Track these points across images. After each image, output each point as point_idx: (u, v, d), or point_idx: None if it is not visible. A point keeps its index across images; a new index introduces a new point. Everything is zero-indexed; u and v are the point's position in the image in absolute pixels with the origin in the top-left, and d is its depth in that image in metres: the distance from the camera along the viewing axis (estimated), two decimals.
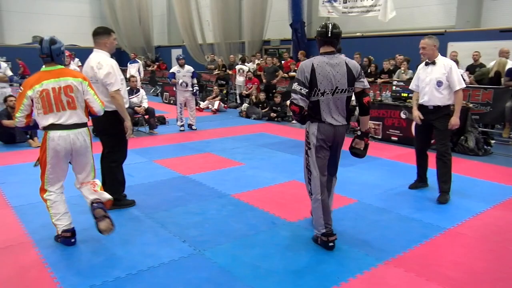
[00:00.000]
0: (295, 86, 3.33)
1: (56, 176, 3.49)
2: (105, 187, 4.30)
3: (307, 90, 3.27)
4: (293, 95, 3.34)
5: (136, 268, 3.14)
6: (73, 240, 3.50)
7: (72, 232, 3.51)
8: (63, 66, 3.52)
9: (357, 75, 3.36)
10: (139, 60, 15.14)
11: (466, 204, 4.63)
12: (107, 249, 3.44)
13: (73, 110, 3.43)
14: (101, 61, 4.03)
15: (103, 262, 3.22)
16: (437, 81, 4.68)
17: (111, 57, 4.21)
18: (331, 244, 3.44)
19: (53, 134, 3.35)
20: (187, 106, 9.11)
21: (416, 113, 4.95)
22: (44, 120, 3.35)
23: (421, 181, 5.21)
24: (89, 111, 3.61)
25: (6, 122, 7.12)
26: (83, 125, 3.52)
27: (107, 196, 3.62)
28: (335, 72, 3.29)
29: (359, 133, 3.61)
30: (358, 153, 3.64)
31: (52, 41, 3.41)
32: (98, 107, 3.62)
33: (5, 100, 7.33)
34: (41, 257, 3.28)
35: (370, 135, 3.26)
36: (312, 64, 3.28)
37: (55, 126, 3.36)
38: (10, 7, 21.73)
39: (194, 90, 9.07)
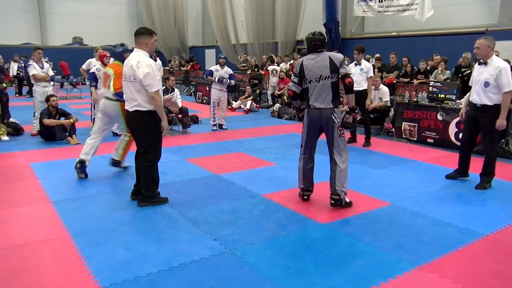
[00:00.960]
0: (291, 77, 4.50)
1: (99, 125, 5.50)
2: (140, 184, 4.43)
3: (297, 79, 4.35)
4: (289, 84, 4.57)
5: (168, 264, 3.19)
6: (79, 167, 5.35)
7: (81, 163, 5.36)
8: (116, 61, 5.39)
9: (339, 64, 4.17)
10: (158, 60, 15.37)
11: (506, 209, 4.45)
12: (140, 245, 3.52)
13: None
14: (140, 61, 4.08)
15: (136, 257, 3.30)
16: (484, 82, 4.88)
17: (150, 57, 4.26)
18: (305, 197, 4.66)
19: (102, 100, 5.44)
20: (219, 105, 9.18)
21: (462, 110, 5.43)
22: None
23: (459, 172, 5.40)
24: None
25: (46, 121, 7.40)
26: (114, 100, 5.25)
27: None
28: (319, 65, 4.20)
29: (347, 109, 4.31)
30: (347, 126, 4.36)
31: (115, 46, 5.51)
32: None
33: (47, 99, 7.60)
34: (78, 251, 3.39)
35: (357, 109, 4.44)
36: (302, 61, 4.33)
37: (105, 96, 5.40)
38: (53, 10, 22.60)
39: (226, 79, 8.98)
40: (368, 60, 12.01)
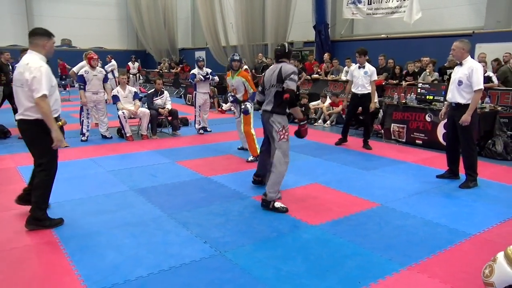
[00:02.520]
0: (258, 87, 4.91)
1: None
2: (32, 201, 3.91)
3: (261, 88, 4.72)
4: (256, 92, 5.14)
5: (158, 267, 3.17)
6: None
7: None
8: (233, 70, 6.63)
9: (284, 76, 4.32)
10: (113, 61, 15.10)
11: (493, 210, 4.50)
12: (130, 248, 3.49)
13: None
14: (30, 63, 3.67)
15: (126, 261, 3.27)
16: (458, 81, 5.14)
17: (47, 62, 3.89)
18: (252, 180, 5.22)
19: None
20: (202, 108, 9.10)
21: (442, 111, 5.67)
22: None
23: (451, 173, 5.58)
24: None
25: None
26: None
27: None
28: (272, 74, 4.48)
29: (296, 121, 4.64)
30: (297, 136, 4.67)
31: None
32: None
33: None
34: (67, 255, 3.36)
35: (304, 122, 4.64)
36: (266, 71, 4.71)
37: None
38: (41, 12, 22.38)
39: (209, 75, 8.99)
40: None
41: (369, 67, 7.37)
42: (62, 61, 18.58)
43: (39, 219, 3.87)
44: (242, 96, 6.57)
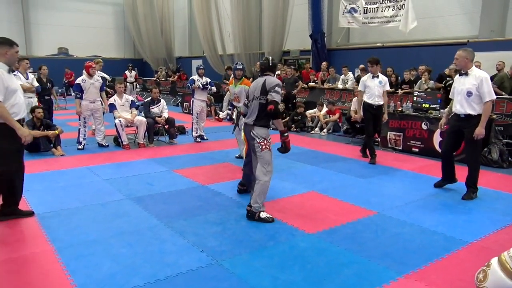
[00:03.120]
0: (244, 99, 4.89)
1: None
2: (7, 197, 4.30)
3: (247, 101, 4.64)
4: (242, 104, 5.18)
5: (155, 277, 3.15)
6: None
7: None
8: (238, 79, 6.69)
9: (268, 88, 4.32)
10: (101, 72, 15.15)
11: (490, 217, 4.51)
12: (126, 257, 3.47)
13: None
14: None
15: (122, 270, 3.25)
16: (467, 91, 4.95)
17: (11, 71, 4.06)
18: (237, 188, 5.33)
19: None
20: (199, 116, 9.15)
21: (442, 121, 5.54)
22: None
23: (446, 180, 5.52)
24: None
25: (31, 132, 7.28)
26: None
27: None
28: (257, 86, 4.47)
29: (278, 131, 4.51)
30: (280, 150, 4.54)
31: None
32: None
33: (33, 110, 7.48)
34: (62, 264, 3.33)
35: (287, 134, 4.48)
36: (251, 84, 4.74)
37: None
38: (38, 20, 22.40)
39: (207, 85, 9.08)
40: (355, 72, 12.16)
41: (382, 77, 7.08)
42: (70, 70, 18.54)
43: (15, 210, 4.33)
44: None
